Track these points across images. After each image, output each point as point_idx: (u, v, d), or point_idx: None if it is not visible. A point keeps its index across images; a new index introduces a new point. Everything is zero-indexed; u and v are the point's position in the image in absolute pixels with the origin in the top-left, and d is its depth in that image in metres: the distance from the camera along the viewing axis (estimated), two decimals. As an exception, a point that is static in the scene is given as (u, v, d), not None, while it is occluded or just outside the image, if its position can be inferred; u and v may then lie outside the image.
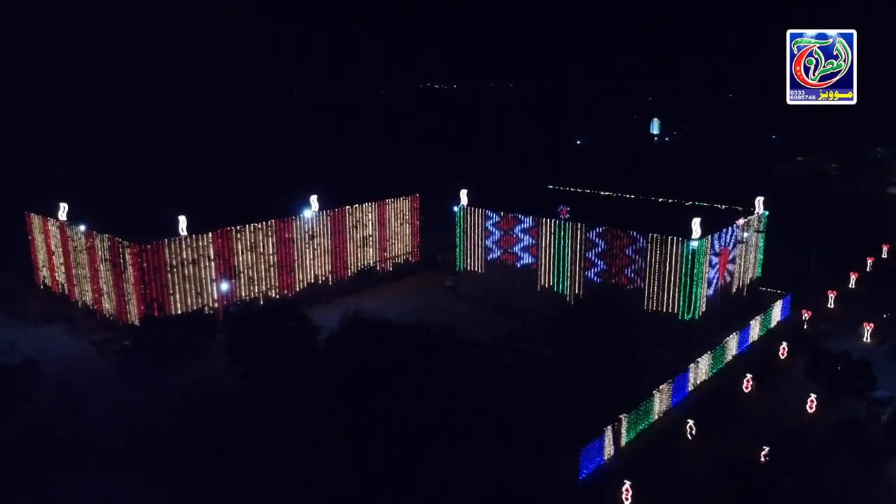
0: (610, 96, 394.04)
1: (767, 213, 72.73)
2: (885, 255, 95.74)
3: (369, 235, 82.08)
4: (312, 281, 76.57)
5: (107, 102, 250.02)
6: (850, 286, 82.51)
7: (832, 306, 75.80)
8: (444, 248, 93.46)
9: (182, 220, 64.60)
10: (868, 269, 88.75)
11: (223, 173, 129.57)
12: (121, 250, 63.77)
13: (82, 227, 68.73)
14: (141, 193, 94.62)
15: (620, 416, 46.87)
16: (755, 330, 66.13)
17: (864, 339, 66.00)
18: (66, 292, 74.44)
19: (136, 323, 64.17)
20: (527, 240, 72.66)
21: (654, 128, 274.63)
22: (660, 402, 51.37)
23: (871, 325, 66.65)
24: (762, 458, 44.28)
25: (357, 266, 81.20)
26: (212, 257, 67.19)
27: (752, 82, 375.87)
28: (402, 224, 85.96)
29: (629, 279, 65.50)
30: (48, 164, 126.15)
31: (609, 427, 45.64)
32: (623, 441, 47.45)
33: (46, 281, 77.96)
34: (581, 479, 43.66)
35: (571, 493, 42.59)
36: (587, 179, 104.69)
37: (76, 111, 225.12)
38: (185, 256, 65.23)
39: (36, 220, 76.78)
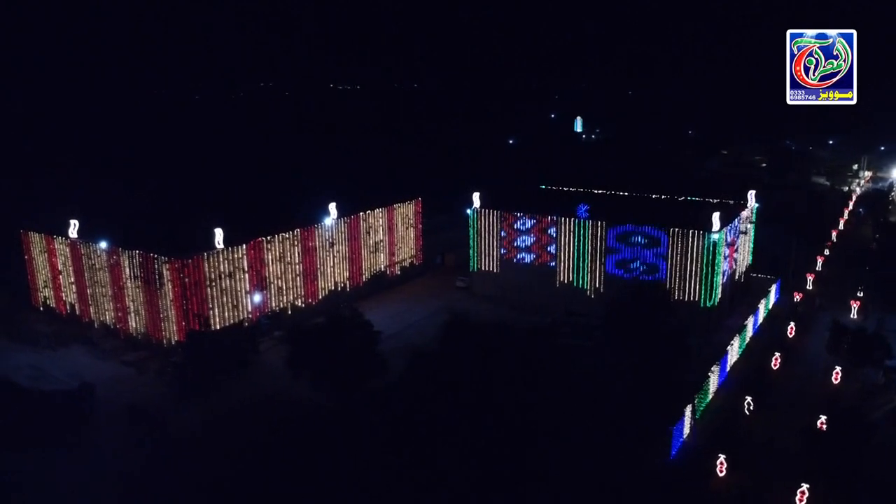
0: (519, 96, 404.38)
1: (758, 205, 79.51)
2: (835, 240, 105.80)
3: (380, 240, 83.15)
4: (333, 288, 76.95)
5: (93, 112, 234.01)
6: (817, 269, 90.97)
7: (811, 288, 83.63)
8: (443, 250, 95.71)
9: (219, 233, 63.77)
10: (827, 253, 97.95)
11: (232, 180, 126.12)
12: (157, 266, 62.21)
13: (103, 245, 66.33)
14: (150, 206, 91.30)
15: (694, 397, 50.95)
16: (761, 313, 72.36)
17: (852, 316, 73.53)
18: (78, 313, 71.41)
19: (175, 341, 62.89)
20: (544, 238, 76.04)
21: (578, 126, 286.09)
22: (713, 382, 55.98)
23: (858, 302, 74.38)
24: (820, 426, 49.36)
25: (370, 271, 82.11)
26: (246, 269, 66.62)
27: (664, 78, 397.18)
28: (407, 228, 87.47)
29: (651, 271, 70.10)
30: (37, 179, 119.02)
31: (689, 407, 49.62)
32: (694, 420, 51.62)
33: (49, 302, 74.37)
34: (671, 457, 47.40)
35: (667, 471, 46.15)
36: (554, 178, 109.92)
37: (66, 121, 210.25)
38: (222, 270, 64.44)
39: (36, 238, 73.16)
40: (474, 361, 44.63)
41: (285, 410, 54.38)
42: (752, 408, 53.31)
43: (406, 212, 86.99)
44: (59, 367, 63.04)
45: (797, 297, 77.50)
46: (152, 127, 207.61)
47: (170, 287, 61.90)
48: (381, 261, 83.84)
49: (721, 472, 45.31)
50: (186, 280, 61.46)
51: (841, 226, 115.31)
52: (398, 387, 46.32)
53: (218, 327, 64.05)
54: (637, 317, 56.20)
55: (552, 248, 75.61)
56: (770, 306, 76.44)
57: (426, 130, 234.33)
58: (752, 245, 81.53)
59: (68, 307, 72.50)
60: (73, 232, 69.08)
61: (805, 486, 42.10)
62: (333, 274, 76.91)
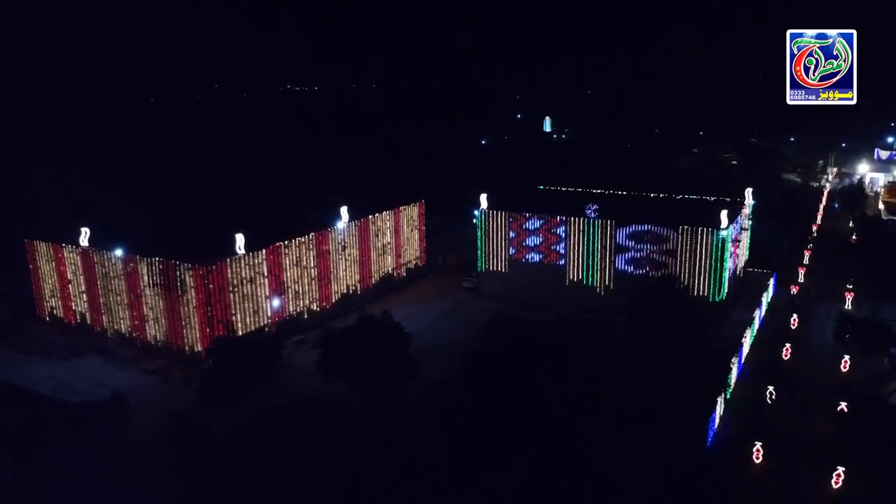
0: (484, 96, 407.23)
1: (754, 202, 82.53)
2: (815, 233, 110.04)
3: (387, 243, 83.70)
4: (345, 291, 77.25)
5: (91, 117, 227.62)
6: (804, 262, 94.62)
7: (802, 280, 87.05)
8: (444, 251, 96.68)
9: (239, 239, 63.63)
10: (811, 246, 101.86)
11: (236, 184, 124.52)
12: (179, 273, 61.76)
13: (119, 252, 65.51)
14: (160, 212, 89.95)
15: (722, 388, 53.04)
16: (764, 306, 75.21)
17: (847, 306, 76.86)
18: (89, 322, 70.31)
19: (198, 348, 62.58)
20: (552, 238, 77.63)
21: (547, 126, 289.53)
22: (733, 374, 58.23)
23: (851, 294, 77.85)
24: (841, 411, 51.76)
25: (379, 274, 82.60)
26: (265, 274, 66.58)
27: (624, 76, 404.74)
28: (412, 230, 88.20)
29: (661, 268, 72.26)
30: (41, 188, 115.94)
31: (720, 397, 51.67)
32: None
33: (56, 312, 72.96)
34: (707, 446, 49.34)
35: (705, 459, 48.05)
36: (539, 178, 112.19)
37: (67, 128, 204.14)
38: (244, 275, 64.30)
39: (43, 247, 71.73)
40: (521, 360, 45.95)
41: (322, 414, 54.55)
42: (773, 397, 55.67)
43: (410, 213, 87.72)
44: (78, 377, 62.05)
45: (794, 289, 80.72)
46: (149, 131, 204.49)
47: (193, 294, 61.52)
48: (389, 263, 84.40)
49: (757, 459, 47.39)
50: (211, 286, 61.18)
51: (819, 220, 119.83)
52: (450, 387, 47.38)
53: (240, 333, 63.84)
54: (659, 312, 58.13)
55: (561, 248, 77.28)
56: (769, 299, 79.38)
57: (403, 131, 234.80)
58: (748, 240, 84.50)
59: (78, 317, 71.28)
60: (83, 240, 68.06)
61: (840, 469, 44.42)
62: (345, 277, 77.22)
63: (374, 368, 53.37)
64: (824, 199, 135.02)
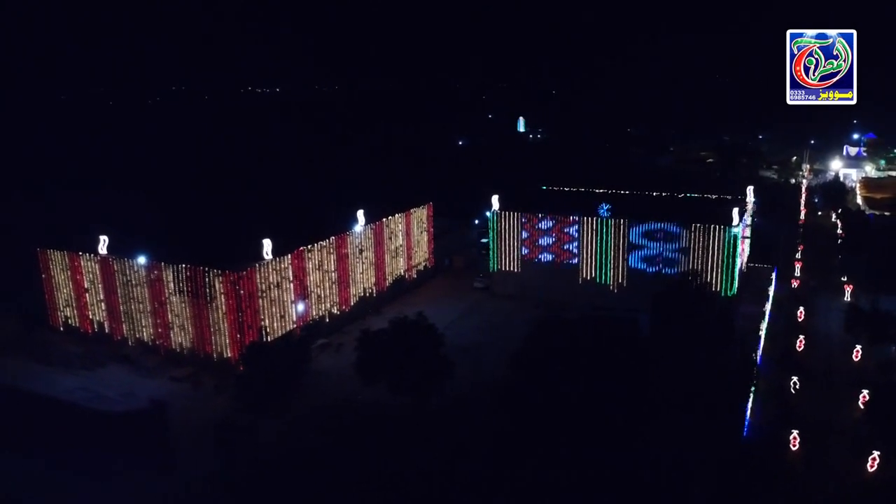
0: (454, 96, 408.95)
1: (755, 200, 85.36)
2: (801, 229, 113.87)
3: (399, 245, 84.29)
4: (362, 294, 77.65)
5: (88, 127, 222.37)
6: (797, 256, 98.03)
7: (799, 275, 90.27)
8: (451, 252, 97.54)
9: (267, 244, 63.63)
10: (800, 241, 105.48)
11: (245, 188, 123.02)
12: (207, 279, 61.52)
13: (142, 260, 64.90)
14: (175, 219, 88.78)
15: (754, 380, 55.08)
16: (770, 299, 77.91)
17: (846, 298, 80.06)
18: (108, 331, 69.43)
19: (227, 354, 62.44)
20: (565, 237, 79.18)
21: (521, 126, 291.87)
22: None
23: (850, 286, 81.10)
24: (863, 399, 54.25)
25: (392, 276, 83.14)
26: (291, 279, 66.68)
27: (594, 76, 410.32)
28: (421, 232, 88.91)
29: (673, 265, 74.35)
30: (51, 197, 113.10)
31: (753, 388, 53.69)
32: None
33: (71, 321, 71.80)
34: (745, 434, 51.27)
35: (744, 445, 49.94)
36: (530, 178, 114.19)
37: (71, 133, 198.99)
38: (271, 280, 64.33)
39: (57, 256, 70.53)
40: (567, 359, 47.25)
41: (366, 415, 55.22)
42: (797, 386, 57.98)
43: (420, 216, 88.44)
44: (106, 386, 61.10)
45: (794, 283, 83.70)
46: (153, 134, 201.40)
47: (223, 300, 61.36)
48: (401, 265, 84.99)
49: (794, 446, 49.46)
50: (241, 292, 61.10)
51: (802, 216, 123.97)
52: (498, 385, 48.44)
53: (269, 338, 63.87)
54: (684, 308, 59.98)
55: (574, 247, 78.84)
56: (772, 293, 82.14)
57: (393, 134, 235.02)
58: (749, 237, 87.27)
59: (95, 325, 70.28)
60: (102, 248, 67.23)
61: (876, 454, 46.70)
62: (363, 280, 77.61)
63: (412, 370, 54.16)
64: (804, 195, 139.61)
